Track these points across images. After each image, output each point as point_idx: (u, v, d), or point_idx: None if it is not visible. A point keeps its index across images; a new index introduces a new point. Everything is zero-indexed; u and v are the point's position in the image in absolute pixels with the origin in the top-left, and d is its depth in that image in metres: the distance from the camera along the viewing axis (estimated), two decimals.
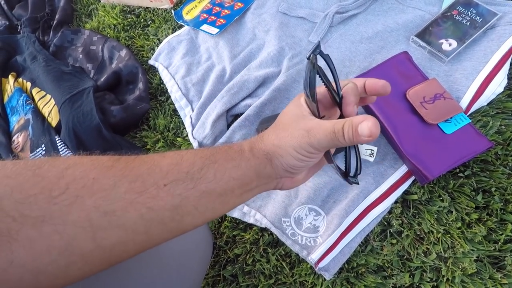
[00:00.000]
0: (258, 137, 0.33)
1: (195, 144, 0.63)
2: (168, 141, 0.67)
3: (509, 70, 0.55)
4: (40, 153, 0.68)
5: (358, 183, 0.35)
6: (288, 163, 0.31)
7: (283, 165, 0.31)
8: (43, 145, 0.68)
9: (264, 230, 0.55)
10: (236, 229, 0.57)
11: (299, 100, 0.33)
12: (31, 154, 0.69)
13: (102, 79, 0.74)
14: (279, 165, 0.31)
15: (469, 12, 0.57)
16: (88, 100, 0.67)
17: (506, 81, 0.53)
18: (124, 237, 0.25)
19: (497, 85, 0.52)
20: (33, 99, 0.77)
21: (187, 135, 0.65)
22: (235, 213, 0.56)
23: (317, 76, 0.30)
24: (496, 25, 0.56)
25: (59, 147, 0.66)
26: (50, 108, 0.72)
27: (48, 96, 0.75)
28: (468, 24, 0.57)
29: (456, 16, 0.58)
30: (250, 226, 0.57)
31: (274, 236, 0.54)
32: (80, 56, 0.82)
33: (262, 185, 0.32)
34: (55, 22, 0.88)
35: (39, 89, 0.78)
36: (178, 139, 0.66)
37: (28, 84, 0.80)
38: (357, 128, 0.28)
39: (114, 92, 0.75)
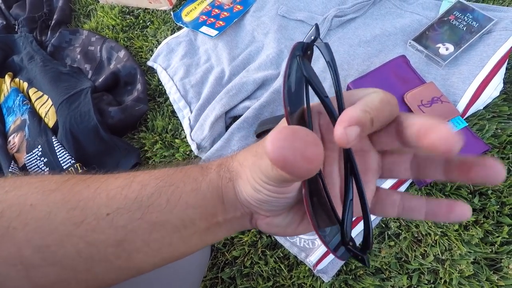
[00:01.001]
0: (236, 153, 0.25)
1: (193, 146, 0.63)
2: (166, 142, 0.66)
3: (505, 74, 0.55)
4: (37, 154, 0.68)
5: (366, 264, 0.21)
6: (246, 191, 0.21)
7: (243, 192, 0.22)
8: (39, 146, 0.67)
9: (262, 232, 0.55)
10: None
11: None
12: (27, 155, 0.68)
13: (100, 80, 0.74)
14: (240, 192, 0.22)
15: (465, 17, 0.58)
16: (86, 101, 0.67)
17: (502, 85, 0.54)
18: (63, 275, 0.21)
19: (493, 89, 0.53)
20: (29, 100, 0.76)
21: (185, 137, 0.65)
22: None
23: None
24: (492, 30, 0.57)
25: (55, 148, 0.66)
26: (47, 109, 0.72)
27: (45, 97, 0.74)
28: (464, 29, 0.57)
29: (453, 21, 0.59)
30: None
31: (273, 238, 0.54)
32: (78, 56, 0.82)
33: (233, 219, 0.23)
34: (53, 22, 0.87)
35: (36, 90, 0.77)
36: (176, 140, 0.65)
37: (25, 84, 0.80)
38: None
39: (112, 93, 0.75)
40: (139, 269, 0.23)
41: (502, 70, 0.54)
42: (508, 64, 0.56)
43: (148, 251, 0.22)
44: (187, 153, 0.64)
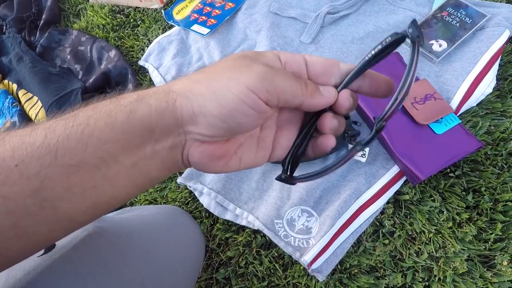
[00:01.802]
0: (169, 82, 0.24)
1: None
2: None
3: (498, 70, 0.55)
4: None
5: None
6: (209, 104, 0.21)
7: (196, 108, 0.21)
8: None
9: (256, 232, 0.55)
10: (228, 231, 0.56)
11: (265, 52, 0.25)
12: None
13: (90, 80, 0.73)
14: (188, 107, 0.21)
15: (458, 14, 0.58)
16: (76, 102, 0.66)
17: (495, 81, 0.54)
18: None
19: (486, 86, 0.53)
20: (19, 101, 0.75)
21: None
22: (228, 215, 0.56)
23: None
24: (485, 27, 0.56)
25: None
26: (37, 110, 0.71)
27: (35, 98, 0.73)
28: (457, 25, 0.57)
29: (446, 17, 0.58)
30: (243, 228, 0.56)
31: (267, 238, 0.53)
32: (68, 57, 0.80)
33: (162, 150, 0.23)
34: (42, 22, 0.86)
35: (26, 91, 0.76)
36: None
37: (14, 86, 0.78)
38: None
39: (103, 93, 0.74)
40: (70, 218, 0.22)
41: (495, 66, 0.54)
42: (501, 60, 0.56)
43: (71, 197, 0.21)
44: None
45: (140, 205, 0.63)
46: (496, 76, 0.55)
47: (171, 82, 0.24)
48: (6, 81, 0.80)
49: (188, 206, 0.60)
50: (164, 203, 0.62)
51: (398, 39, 0.22)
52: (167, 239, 0.44)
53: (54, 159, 0.20)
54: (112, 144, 0.21)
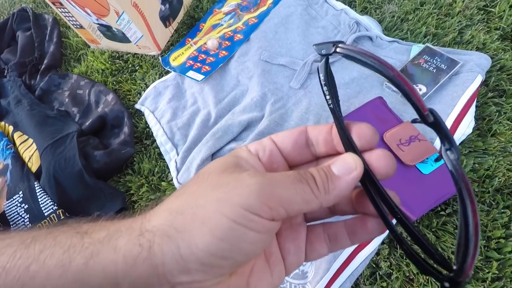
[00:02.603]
0: (136, 218, 0.19)
1: None
2: (152, 185, 0.66)
3: (476, 112, 0.59)
4: (17, 200, 0.66)
5: None
6: (201, 245, 0.16)
7: (185, 250, 0.16)
8: (20, 192, 0.66)
9: None
10: None
11: (237, 152, 0.20)
12: (6, 202, 0.66)
13: (87, 123, 0.75)
14: (173, 251, 0.16)
15: (434, 61, 0.63)
16: (71, 145, 0.66)
17: (473, 122, 0.57)
18: None
19: (466, 126, 0.56)
20: (14, 144, 0.76)
21: (171, 180, 0.64)
22: None
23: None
24: (460, 72, 0.61)
25: (37, 194, 0.64)
26: (31, 153, 0.71)
27: (30, 140, 0.74)
28: (434, 71, 0.62)
29: (423, 64, 0.63)
30: None
31: None
32: (66, 100, 0.82)
33: None
34: (43, 66, 0.89)
35: (21, 133, 0.77)
36: (163, 183, 0.65)
37: (10, 128, 0.79)
38: (332, 164, 0.18)
39: (99, 136, 0.75)
40: None
41: (472, 108, 0.58)
42: (477, 102, 0.60)
43: None
44: None
45: None
46: (475, 117, 0.58)
47: (145, 215, 0.18)
48: (2, 123, 0.81)
49: None
50: None
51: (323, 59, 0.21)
52: None
53: None
54: None
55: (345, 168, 0.18)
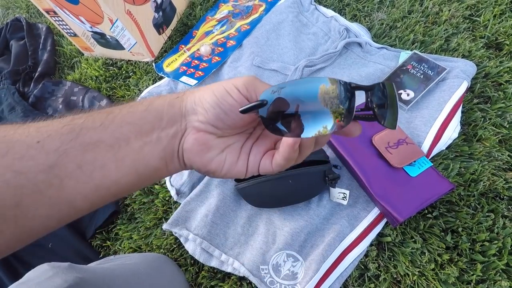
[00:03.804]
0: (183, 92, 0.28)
1: (172, 192, 0.63)
2: (145, 188, 0.66)
3: (462, 117, 0.60)
4: None
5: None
6: (206, 96, 0.25)
7: (197, 99, 0.26)
8: None
9: (243, 279, 0.54)
10: (214, 279, 0.55)
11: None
12: None
13: None
14: (191, 100, 0.26)
15: (421, 67, 0.65)
16: None
17: (459, 127, 0.59)
18: None
19: (452, 131, 0.57)
20: None
21: (164, 183, 0.65)
22: (213, 262, 0.55)
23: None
24: (446, 78, 0.63)
25: None
26: None
27: None
28: (421, 77, 0.63)
29: (411, 70, 0.65)
30: (229, 275, 0.55)
31: (253, 285, 0.52)
32: (60, 106, 0.83)
33: (165, 138, 0.26)
34: (37, 74, 0.90)
35: None
36: (156, 186, 0.65)
37: None
38: None
39: None
40: (70, 203, 0.23)
41: (458, 113, 0.59)
42: (463, 107, 0.61)
43: (80, 175, 0.23)
44: (167, 198, 0.64)
45: (124, 253, 0.61)
46: (461, 122, 0.60)
47: (184, 93, 0.28)
48: None
49: (173, 253, 0.59)
50: (149, 250, 0.60)
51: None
52: None
53: (76, 137, 0.23)
54: (129, 126, 0.25)
55: None
